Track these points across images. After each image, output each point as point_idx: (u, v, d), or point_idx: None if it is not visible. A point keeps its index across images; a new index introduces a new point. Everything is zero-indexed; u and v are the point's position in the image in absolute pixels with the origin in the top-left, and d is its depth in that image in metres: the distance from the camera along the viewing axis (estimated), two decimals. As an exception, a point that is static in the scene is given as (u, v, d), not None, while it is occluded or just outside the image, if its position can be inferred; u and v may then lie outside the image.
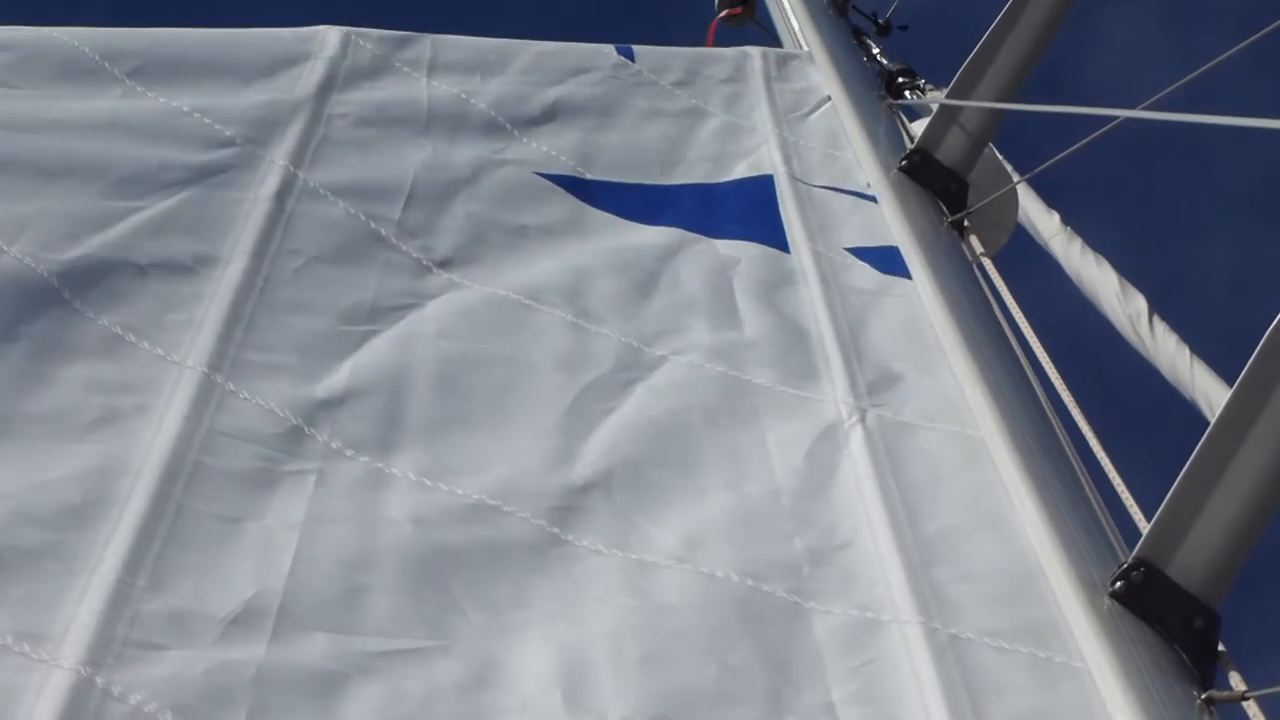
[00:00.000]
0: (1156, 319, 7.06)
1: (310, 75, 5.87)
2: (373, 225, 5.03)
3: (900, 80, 7.78)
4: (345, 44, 6.17)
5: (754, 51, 7.50)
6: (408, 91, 6.10)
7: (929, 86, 7.73)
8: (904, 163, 6.23)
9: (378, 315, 4.58)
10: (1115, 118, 5.31)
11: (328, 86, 5.84)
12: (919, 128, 6.71)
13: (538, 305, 4.84)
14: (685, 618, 3.67)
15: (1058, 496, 4.18)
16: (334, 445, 3.95)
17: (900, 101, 7.32)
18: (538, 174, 5.78)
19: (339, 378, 4.24)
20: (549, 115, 6.30)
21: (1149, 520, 3.92)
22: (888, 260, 5.60)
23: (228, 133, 5.28)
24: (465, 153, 5.77)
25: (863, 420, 4.50)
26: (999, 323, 5.30)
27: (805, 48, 7.67)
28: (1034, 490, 4.17)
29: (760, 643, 3.63)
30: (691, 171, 6.22)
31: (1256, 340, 3.83)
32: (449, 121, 5.98)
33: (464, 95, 6.19)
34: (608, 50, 7.00)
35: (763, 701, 3.46)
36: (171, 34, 5.94)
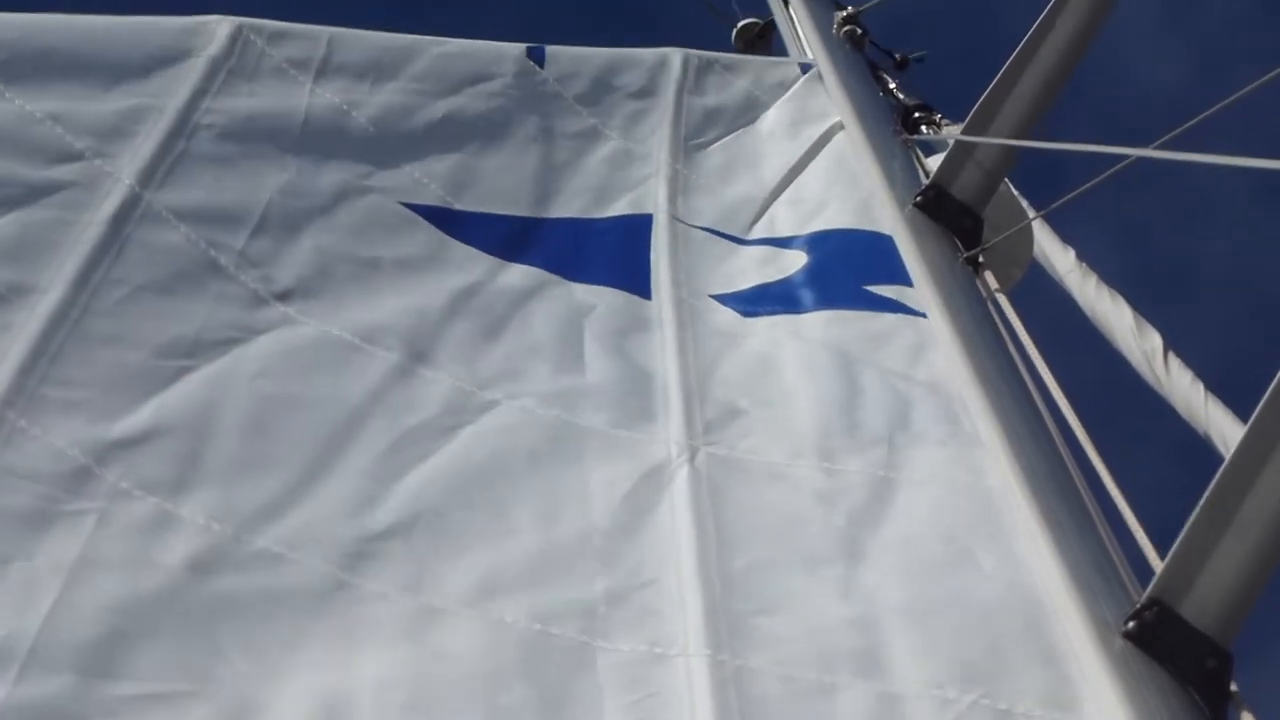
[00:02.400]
0: (1171, 355, 7.06)
1: (186, 77, 5.56)
2: (212, 253, 4.82)
3: (916, 115, 7.78)
4: (235, 39, 5.87)
5: (675, 58, 7.38)
6: (287, 101, 5.84)
7: (945, 121, 7.73)
8: (919, 199, 6.20)
9: (198, 350, 4.42)
10: (1128, 156, 5.31)
11: (202, 91, 5.53)
12: (935, 163, 6.71)
13: (371, 347, 4.72)
14: (462, 664, 3.67)
15: (1071, 535, 4.17)
16: (122, 485, 3.84)
17: (916, 137, 7.31)
18: (402, 204, 5.61)
19: (141, 415, 4.08)
20: (431, 133, 6.11)
21: (1162, 559, 3.91)
22: (753, 302, 5.59)
23: (78, 145, 5.00)
24: (331, 175, 5.56)
25: (691, 459, 4.50)
26: (1013, 360, 5.29)
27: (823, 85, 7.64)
28: (1047, 528, 4.16)
29: (537, 684, 3.64)
30: (570, 204, 6.10)
31: (1271, 377, 3.83)
32: (322, 138, 5.74)
33: (346, 107, 5.96)
34: (517, 53, 6.80)
35: None
36: (46, 22, 5.59)
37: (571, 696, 3.63)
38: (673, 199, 6.28)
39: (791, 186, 6.67)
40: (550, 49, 6.91)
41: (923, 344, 5.30)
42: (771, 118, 7.34)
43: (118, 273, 4.53)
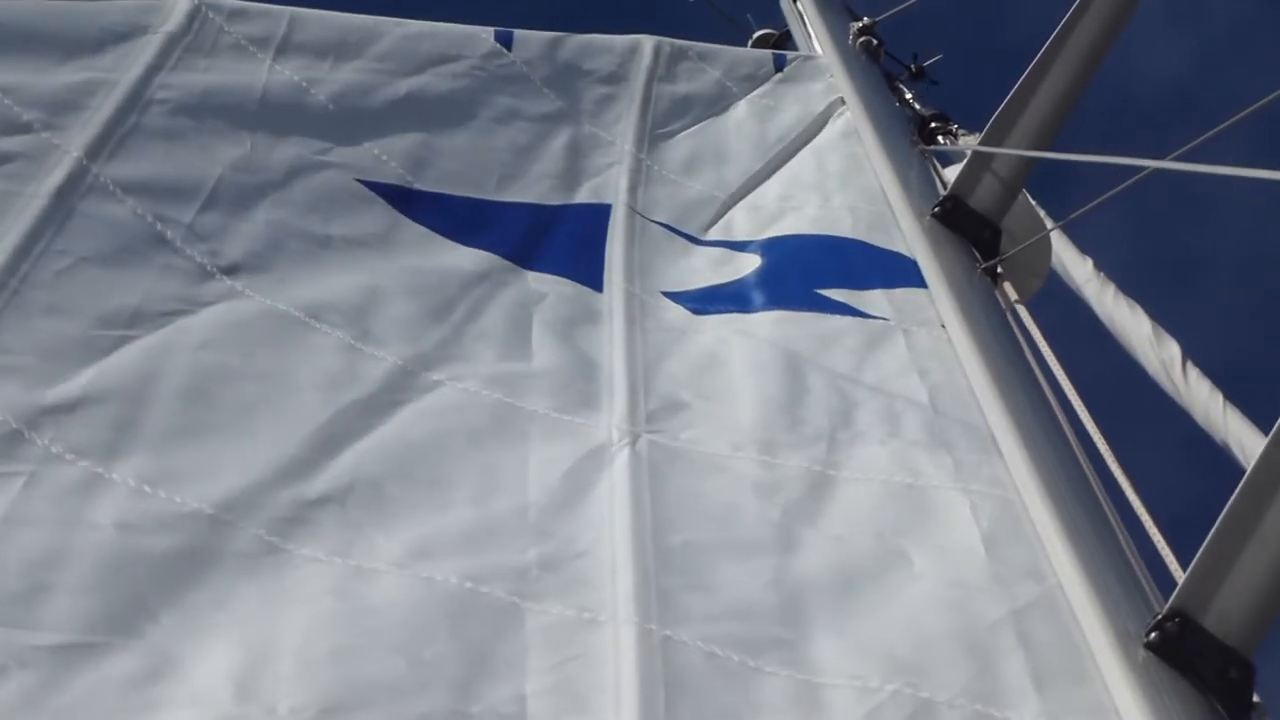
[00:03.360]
0: (1190, 365, 7.06)
1: (141, 53, 5.54)
2: (159, 227, 4.81)
3: (933, 125, 7.80)
4: (193, 16, 5.86)
5: (647, 45, 7.38)
6: (244, 76, 5.82)
7: (961, 131, 7.75)
8: (937, 209, 6.21)
9: (140, 321, 4.41)
10: (1145, 168, 5.32)
11: (157, 66, 5.52)
12: (952, 173, 6.71)
13: (316, 324, 4.72)
14: (388, 616, 3.70)
15: (1092, 546, 4.18)
16: (54, 450, 3.84)
17: (933, 147, 7.32)
18: (359, 180, 5.60)
19: (77, 383, 4.09)
20: (392, 111, 6.11)
21: (1184, 569, 3.92)
22: (704, 300, 5.59)
23: (26, 116, 4.99)
24: (287, 151, 5.55)
25: (633, 444, 4.53)
26: (1033, 370, 5.30)
27: (839, 92, 7.64)
28: (1069, 539, 4.16)
29: (462, 639, 3.68)
30: (530, 189, 6.09)
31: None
32: (280, 114, 5.73)
33: (305, 84, 5.94)
34: (485, 36, 6.77)
35: (449, 693, 3.51)
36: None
37: (495, 653, 3.66)
38: (633, 190, 6.28)
39: (754, 192, 6.67)
40: (519, 33, 6.87)
41: (871, 346, 5.32)
42: (742, 110, 7.36)
43: (60, 244, 4.53)
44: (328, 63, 6.12)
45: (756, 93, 7.53)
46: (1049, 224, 6.80)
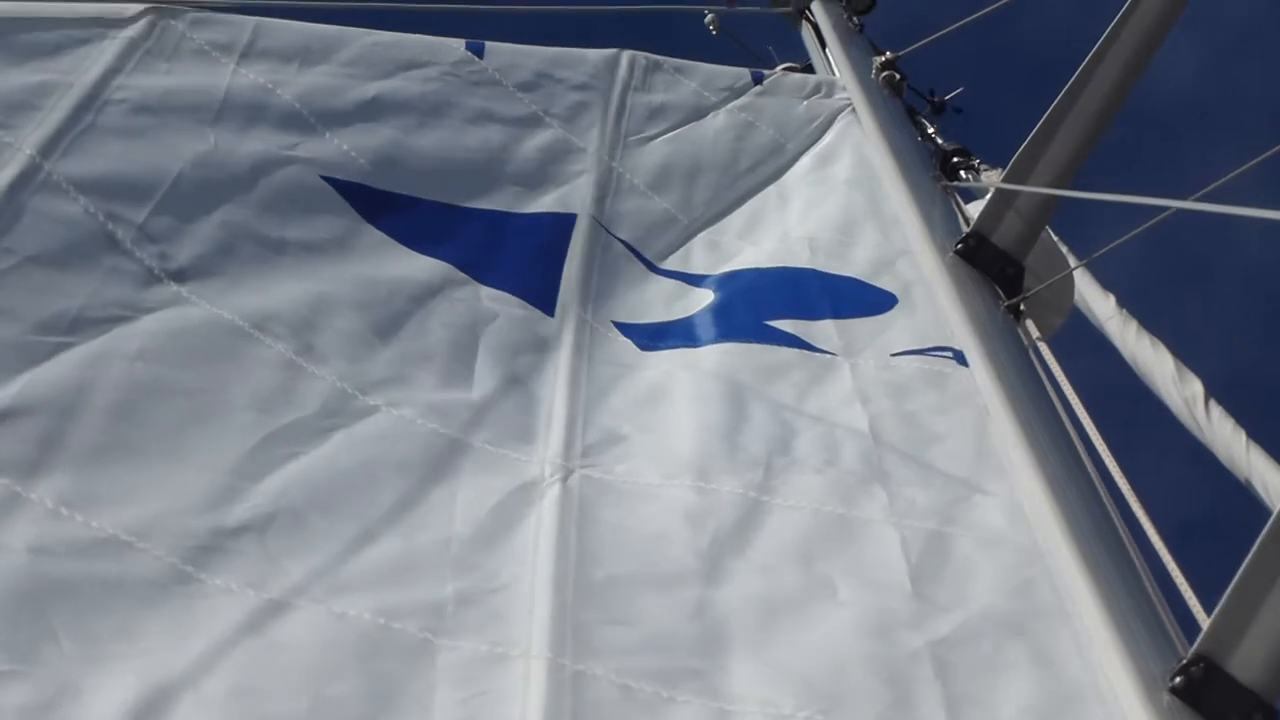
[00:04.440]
0: (1213, 403, 7.05)
1: (100, 56, 5.47)
2: (110, 227, 4.73)
3: (955, 160, 7.78)
4: (154, 22, 5.78)
5: (623, 57, 7.33)
6: (206, 78, 5.74)
7: (984, 166, 7.73)
8: (960, 246, 6.20)
9: (79, 327, 4.33)
10: (1169, 208, 5.32)
11: (116, 69, 5.45)
12: (974, 208, 6.71)
13: (260, 335, 4.65)
14: (295, 653, 3.65)
15: (1117, 590, 4.17)
16: None
17: (955, 184, 7.31)
18: (324, 177, 5.55)
19: (7, 392, 4.02)
20: (362, 111, 6.06)
21: (1208, 614, 3.91)
22: (653, 336, 5.57)
23: None
24: (250, 147, 5.47)
25: (565, 479, 4.50)
26: (1056, 409, 5.29)
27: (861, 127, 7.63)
28: (1093, 583, 4.16)
29: (370, 676, 3.65)
30: (497, 195, 6.03)
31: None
32: (244, 112, 5.66)
33: (270, 85, 5.87)
34: (455, 45, 6.72)
35: None
36: None
37: (401, 691, 3.63)
38: (600, 200, 6.26)
39: (716, 225, 6.64)
40: (490, 44, 6.83)
41: (816, 378, 5.31)
42: (721, 120, 7.34)
43: (7, 243, 4.48)
44: (293, 66, 6.06)
45: (736, 103, 7.49)
46: (1072, 262, 6.79)
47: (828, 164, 7.29)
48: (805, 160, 7.34)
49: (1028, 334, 5.93)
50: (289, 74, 5.99)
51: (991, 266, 6.18)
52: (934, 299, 5.92)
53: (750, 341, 5.56)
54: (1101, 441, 5.11)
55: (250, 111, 5.68)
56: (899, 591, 4.21)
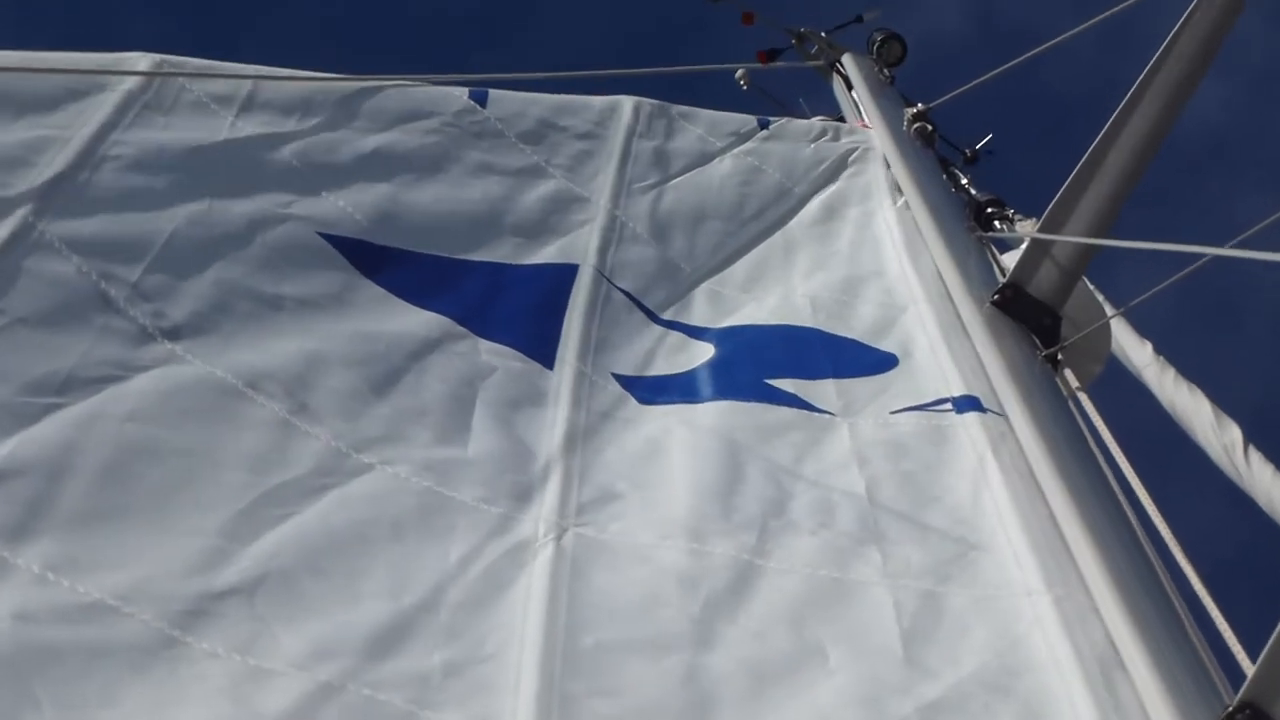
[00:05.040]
0: (1252, 449, 7.04)
1: (97, 110, 5.38)
2: (102, 286, 4.67)
3: (989, 210, 7.80)
4: (153, 75, 5.69)
5: (627, 104, 7.31)
6: (204, 132, 5.66)
7: (1018, 216, 7.75)
8: (996, 297, 6.21)
9: (70, 387, 4.26)
10: (1205, 255, 5.33)
11: (112, 123, 5.35)
12: (1009, 258, 6.72)
13: (253, 394, 4.59)
14: None
15: (1161, 638, 4.17)
16: None
17: (990, 234, 7.32)
18: (320, 234, 5.48)
19: None
20: (361, 166, 5.99)
21: (1253, 660, 3.91)
22: (652, 390, 5.54)
23: None
24: (245, 205, 5.39)
25: (558, 538, 4.46)
26: (1097, 459, 5.29)
27: (894, 180, 7.65)
28: (1138, 631, 4.17)
29: None
30: (497, 246, 5.99)
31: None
32: (240, 168, 5.60)
33: (269, 140, 5.81)
34: (458, 94, 6.67)
35: None
36: None
37: None
38: (603, 250, 6.23)
39: (719, 275, 6.63)
40: (494, 93, 6.79)
41: (814, 439, 5.30)
42: (727, 166, 7.35)
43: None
44: (293, 119, 6.00)
45: (741, 148, 7.50)
46: (1109, 310, 6.79)
47: (834, 215, 7.31)
48: (813, 206, 7.36)
49: (1067, 384, 5.94)
50: (288, 126, 5.94)
51: (1029, 317, 6.19)
52: (967, 350, 5.92)
53: (750, 400, 5.55)
54: (1143, 489, 5.11)
55: (247, 167, 5.63)
56: (890, 657, 4.20)
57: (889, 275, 6.72)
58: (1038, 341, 6.13)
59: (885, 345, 6.12)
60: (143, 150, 5.36)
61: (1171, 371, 7.63)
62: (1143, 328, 7.97)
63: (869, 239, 7.08)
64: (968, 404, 5.51)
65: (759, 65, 9.70)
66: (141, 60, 5.75)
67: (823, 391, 5.65)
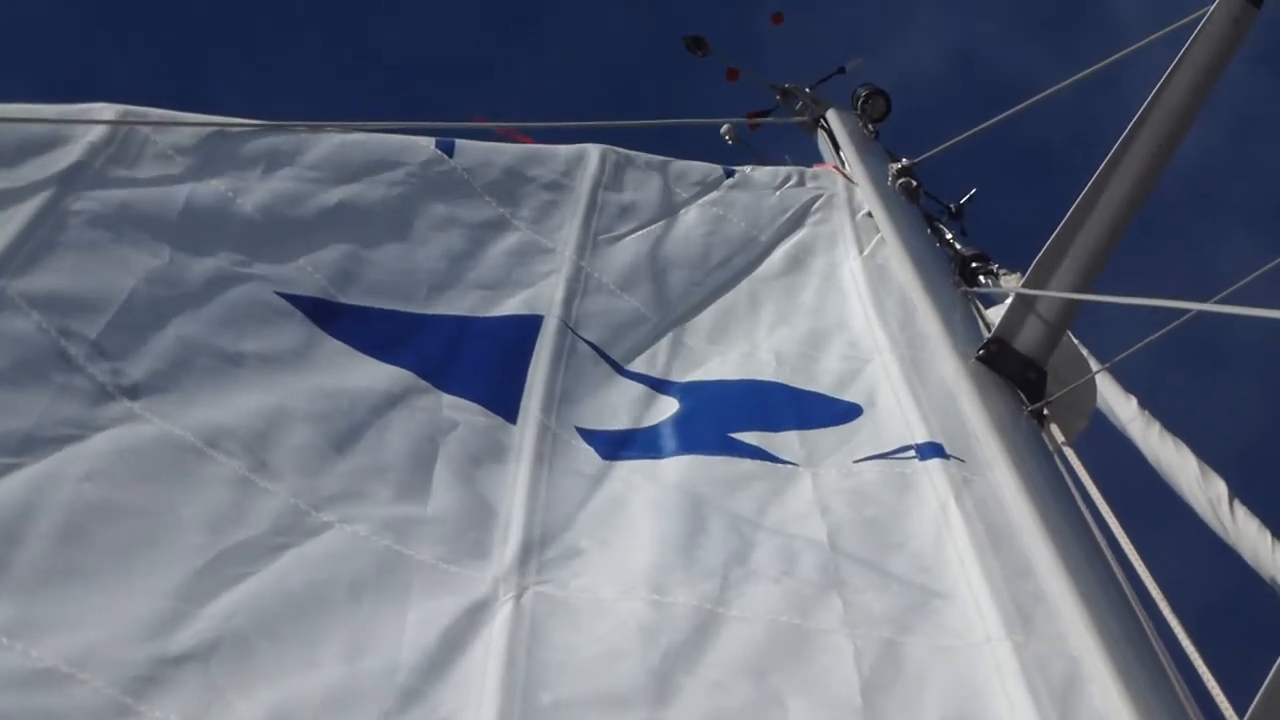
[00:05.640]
0: (1237, 503, 7.05)
1: (59, 163, 5.30)
2: (62, 343, 4.59)
3: (974, 265, 7.81)
4: (116, 126, 5.60)
5: (593, 153, 7.29)
6: (167, 186, 5.57)
7: (1002, 271, 7.76)
8: (982, 352, 6.23)
9: (29, 447, 4.20)
10: (1190, 310, 5.35)
11: (74, 177, 5.28)
12: (994, 313, 6.73)
13: (212, 452, 4.52)
14: None
15: (1148, 695, 4.18)
16: None
17: (975, 289, 7.34)
18: (279, 293, 5.41)
19: None
20: (322, 221, 5.92)
21: (1240, 716, 3.91)
22: (616, 445, 5.51)
23: None
24: (204, 263, 5.31)
25: (518, 597, 4.44)
26: (1083, 514, 5.30)
27: (879, 234, 7.67)
28: (1124, 686, 4.18)
29: None
30: (461, 299, 5.96)
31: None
32: (203, 224, 5.50)
33: (231, 194, 5.72)
34: (425, 144, 6.63)
35: None
36: None
37: None
38: (568, 301, 6.22)
39: (685, 326, 6.61)
40: (460, 143, 6.75)
41: (777, 490, 5.29)
42: (692, 217, 7.33)
43: None
44: (257, 170, 5.93)
45: (707, 198, 7.49)
46: (1094, 365, 6.81)
47: (799, 265, 7.31)
48: (778, 255, 7.35)
49: (1052, 439, 5.94)
50: (252, 180, 5.87)
51: (1014, 371, 6.20)
52: (936, 396, 5.94)
53: (713, 454, 5.53)
54: (1129, 543, 5.12)
55: (208, 223, 5.55)
56: (848, 707, 4.19)
57: (853, 327, 6.73)
58: (1023, 396, 6.15)
59: (849, 396, 6.13)
60: (105, 205, 5.30)
61: (1157, 425, 7.65)
62: (1128, 380, 8.00)
63: (834, 290, 7.09)
64: (931, 450, 5.52)
65: (744, 121, 9.73)
66: (106, 111, 5.69)
67: (786, 443, 5.65)
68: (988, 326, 6.67)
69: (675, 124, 8.83)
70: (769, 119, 10.00)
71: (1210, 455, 7.44)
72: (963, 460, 5.43)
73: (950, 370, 6.14)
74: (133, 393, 4.60)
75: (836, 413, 5.95)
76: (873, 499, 5.30)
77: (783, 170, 8.13)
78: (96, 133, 5.53)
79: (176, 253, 5.27)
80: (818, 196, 7.88)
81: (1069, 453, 5.81)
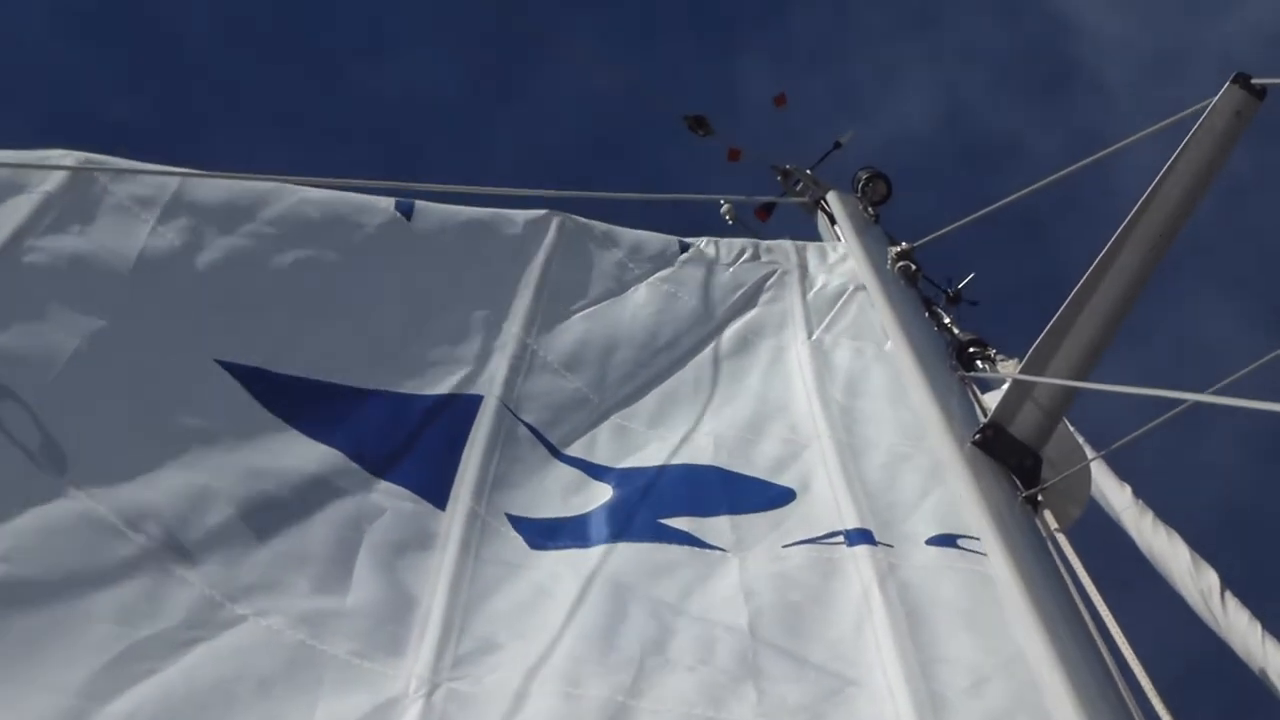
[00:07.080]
0: (1228, 594, 7.04)
1: (13, 213, 5.24)
2: None
3: (971, 350, 7.83)
4: (76, 175, 5.53)
5: (552, 221, 7.25)
6: (121, 239, 5.50)
7: (999, 356, 7.78)
8: (978, 437, 6.23)
9: None
10: (1185, 401, 5.36)
11: (27, 229, 5.21)
12: (991, 398, 6.74)
13: (132, 534, 4.44)
14: None
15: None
16: None
17: (972, 374, 7.35)
18: (219, 361, 5.33)
19: None
20: (273, 285, 5.88)
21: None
22: (545, 534, 5.47)
23: None
24: (148, 327, 5.25)
25: (429, 695, 4.38)
26: (1074, 601, 5.30)
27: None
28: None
29: None
30: (402, 373, 5.91)
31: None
32: (151, 285, 5.43)
33: (186, 250, 5.65)
34: (385, 204, 6.58)
35: None
36: None
37: None
38: (510, 381, 6.20)
39: (626, 410, 6.59)
40: (420, 204, 6.71)
41: (702, 576, 5.27)
42: (641, 294, 7.33)
43: None
44: (215, 225, 5.85)
45: (659, 275, 7.49)
46: (1089, 452, 6.81)
47: (747, 347, 7.32)
48: (728, 335, 7.35)
49: (1046, 525, 5.94)
50: (208, 236, 5.79)
51: (1009, 457, 6.21)
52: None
53: (642, 540, 5.51)
54: (1120, 632, 5.12)
55: (157, 284, 5.48)
56: None
57: (795, 410, 6.73)
58: (1018, 482, 6.15)
59: (785, 480, 6.13)
60: (55, 258, 5.23)
61: (1150, 515, 7.64)
62: (1122, 467, 8.00)
63: (779, 373, 7.09)
64: (859, 536, 5.50)
65: (745, 200, 9.77)
66: (66, 158, 5.63)
67: (716, 528, 5.63)
68: (984, 411, 6.67)
69: (674, 199, 8.83)
70: (767, 198, 10.04)
71: (1204, 544, 7.44)
72: (891, 546, 5.41)
73: (946, 454, 6.14)
74: (60, 465, 4.50)
75: (770, 497, 5.94)
76: (798, 584, 5.28)
77: (738, 243, 8.13)
78: (54, 182, 5.46)
79: (121, 313, 5.21)
80: (771, 273, 7.90)
81: (1062, 539, 5.81)
